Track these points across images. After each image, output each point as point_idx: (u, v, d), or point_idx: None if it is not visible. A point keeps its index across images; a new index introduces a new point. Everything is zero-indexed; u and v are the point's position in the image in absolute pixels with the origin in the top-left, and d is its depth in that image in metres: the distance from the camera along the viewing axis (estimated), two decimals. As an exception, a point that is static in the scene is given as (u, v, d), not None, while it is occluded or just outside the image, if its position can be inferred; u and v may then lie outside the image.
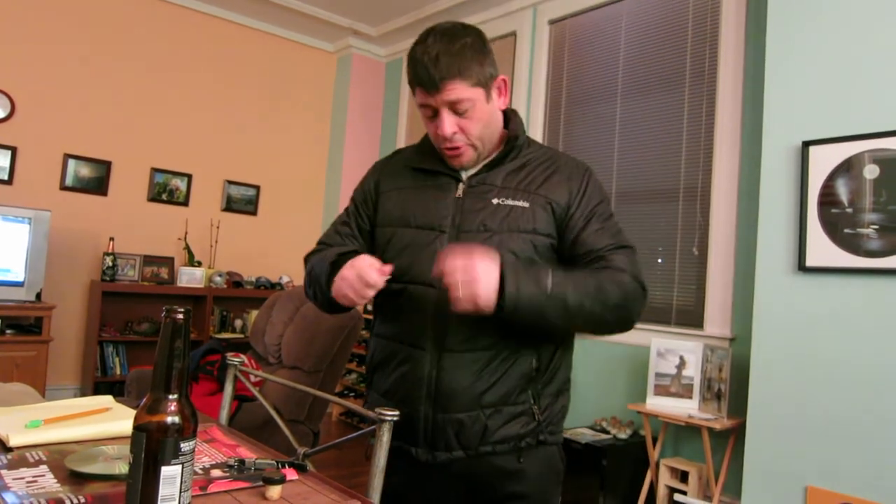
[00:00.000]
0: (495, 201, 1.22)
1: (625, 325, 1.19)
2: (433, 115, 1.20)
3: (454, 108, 1.17)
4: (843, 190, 2.38)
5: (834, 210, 2.39)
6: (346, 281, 1.14)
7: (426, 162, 1.31)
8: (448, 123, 1.18)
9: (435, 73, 1.14)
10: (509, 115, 1.32)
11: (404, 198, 1.30)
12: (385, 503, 1.31)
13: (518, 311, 1.08)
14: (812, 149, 2.46)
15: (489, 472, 1.21)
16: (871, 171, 2.31)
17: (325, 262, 1.25)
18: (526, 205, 1.21)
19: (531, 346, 1.21)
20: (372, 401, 1.32)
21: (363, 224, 1.36)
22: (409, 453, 1.23)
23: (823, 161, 2.43)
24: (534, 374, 1.21)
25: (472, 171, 1.27)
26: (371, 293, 1.13)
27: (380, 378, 1.30)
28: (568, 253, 1.23)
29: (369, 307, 4.59)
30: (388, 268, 1.13)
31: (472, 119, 1.19)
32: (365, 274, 1.11)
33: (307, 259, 1.36)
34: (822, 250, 2.40)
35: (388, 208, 1.31)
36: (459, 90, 1.15)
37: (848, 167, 2.37)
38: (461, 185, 1.26)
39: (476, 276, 1.04)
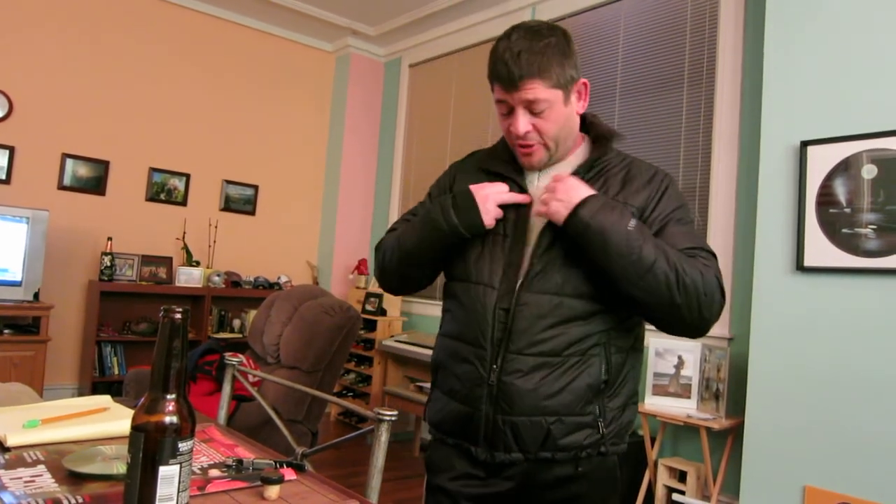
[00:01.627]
0: None
1: (698, 320, 1.13)
2: (508, 112, 1.20)
3: (530, 107, 1.17)
4: (841, 190, 2.38)
5: (832, 210, 2.40)
6: (484, 189, 1.22)
7: (498, 166, 1.30)
8: (523, 122, 1.18)
9: (515, 70, 1.14)
10: (590, 120, 1.31)
11: None
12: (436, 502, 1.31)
13: (588, 228, 1.12)
14: (810, 149, 2.46)
15: (545, 479, 1.21)
16: (869, 171, 2.32)
17: (431, 210, 1.28)
18: None
19: (601, 355, 1.18)
20: (435, 398, 1.32)
21: None
22: (468, 452, 1.23)
23: (822, 161, 2.43)
24: (602, 386, 1.18)
25: (549, 178, 1.24)
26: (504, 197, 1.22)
27: (443, 377, 1.29)
28: None
29: (369, 307, 4.59)
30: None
31: (548, 120, 1.18)
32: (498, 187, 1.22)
33: (379, 246, 1.39)
34: (821, 250, 2.40)
35: None
36: (538, 90, 1.15)
37: (846, 167, 2.37)
38: (536, 192, 1.24)
39: (560, 190, 1.16)
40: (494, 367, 1.18)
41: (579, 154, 1.29)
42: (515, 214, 1.25)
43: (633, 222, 1.13)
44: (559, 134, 1.21)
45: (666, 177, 1.26)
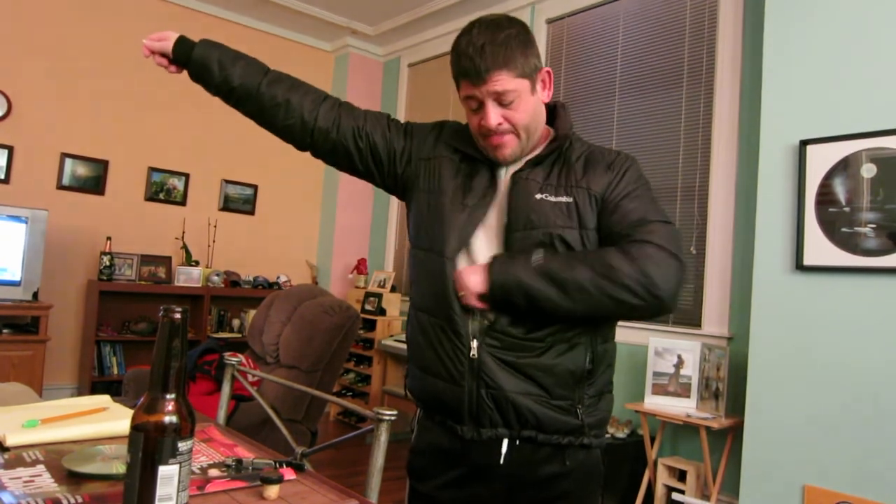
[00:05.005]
0: (538, 196, 1.19)
1: (653, 301, 1.09)
2: (478, 107, 1.20)
3: (499, 99, 1.17)
4: (840, 189, 2.38)
5: (831, 209, 2.40)
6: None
7: (476, 151, 1.27)
8: (494, 115, 1.17)
9: (481, 64, 1.14)
10: (558, 110, 1.30)
11: (456, 173, 1.28)
12: None
13: (506, 290, 1.12)
14: (809, 148, 2.46)
15: (534, 478, 1.20)
16: (868, 170, 2.32)
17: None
18: (569, 200, 1.19)
19: (586, 344, 1.18)
20: (412, 375, 1.30)
21: (379, 139, 1.33)
22: (454, 458, 1.22)
23: (821, 160, 2.43)
24: (585, 374, 1.18)
25: (515, 167, 1.24)
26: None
27: (421, 352, 1.26)
28: (603, 235, 1.19)
29: (368, 306, 4.59)
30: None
31: (518, 110, 1.19)
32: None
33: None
34: (820, 249, 2.41)
35: (440, 174, 1.28)
36: (505, 81, 1.15)
37: (845, 166, 2.37)
38: (504, 182, 1.24)
39: (465, 279, 1.17)
40: (475, 342, 1.17)
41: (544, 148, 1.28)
42: (482, 182, 1.23)
43: (537, 255, 1.13)
44: (530, 124, 1.21)
45: (627, 159, 1.25)
